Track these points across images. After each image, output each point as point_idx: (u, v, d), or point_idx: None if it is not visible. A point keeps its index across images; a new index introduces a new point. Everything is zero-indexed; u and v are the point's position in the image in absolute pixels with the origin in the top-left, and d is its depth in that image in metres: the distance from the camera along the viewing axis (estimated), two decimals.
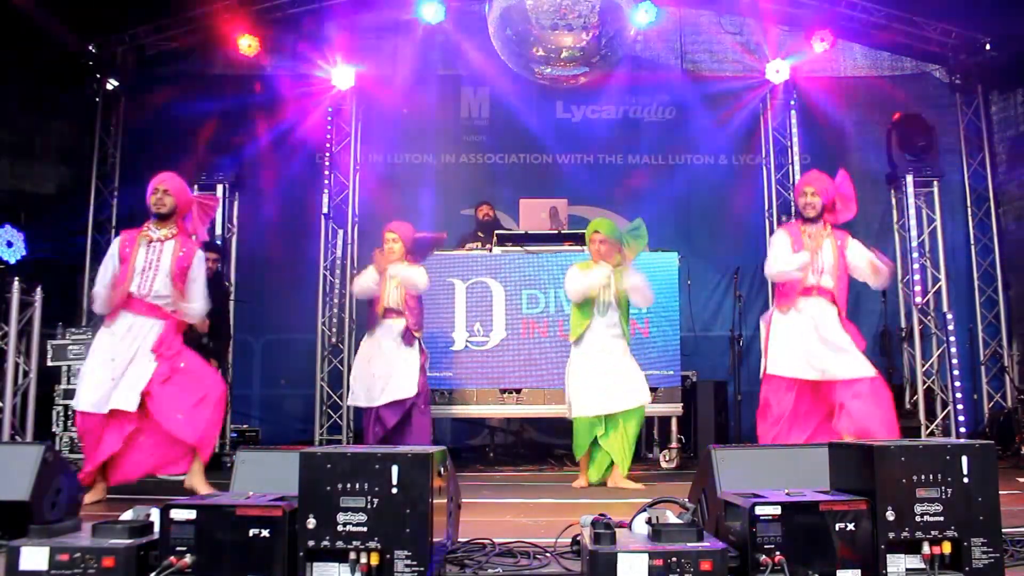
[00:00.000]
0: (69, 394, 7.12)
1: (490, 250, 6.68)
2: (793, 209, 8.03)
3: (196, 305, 4.43)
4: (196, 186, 7.12)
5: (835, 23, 8.23)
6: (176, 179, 4.43)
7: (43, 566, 2.07)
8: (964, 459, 2.18)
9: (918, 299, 7.68)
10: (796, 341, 4.53)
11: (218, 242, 7.06)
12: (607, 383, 5.12)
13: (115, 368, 4.22)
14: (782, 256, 4.62)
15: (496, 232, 6.83)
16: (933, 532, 2.14)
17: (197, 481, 4.33)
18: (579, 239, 6.55)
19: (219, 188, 7.44)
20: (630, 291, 5.16)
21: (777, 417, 4.51)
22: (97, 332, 4.40)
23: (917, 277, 7.67)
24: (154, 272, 4.26)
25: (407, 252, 5.49)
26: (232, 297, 7.33)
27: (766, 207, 8.43)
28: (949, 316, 7.62)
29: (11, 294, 6.02)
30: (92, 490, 4.26)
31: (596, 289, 5.12)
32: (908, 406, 7.53)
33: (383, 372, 5.37)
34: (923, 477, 2.16)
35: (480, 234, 7.15)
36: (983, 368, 8.09)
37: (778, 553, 2.09)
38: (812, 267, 4.54)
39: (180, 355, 4.34)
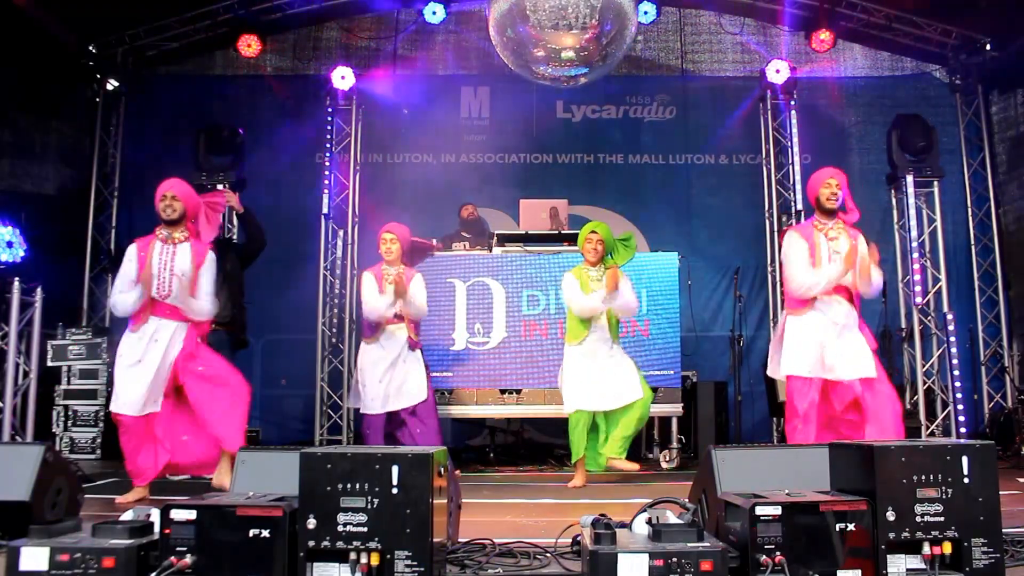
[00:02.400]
0: (69, 394, 7.14)
1: (490, 250, 6.68)
2: (794, 209, 8.04)
3: (203, 304, 4.46)
4: (195, 187, 7.08)
5: (835, 23, 8.23)
6: (182, 184, 4.56)
7: (43, 566, 2.07)
8: (964, 459, 2.17)
9: (918, 299, 7.67)
10: (812, 339, 4.36)
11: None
12: (603, 380, 5.19)
13: (144, 371, 4.30)
14: (802, 269, 4.36)
15: (496, 232, 6.84)
16: (933, 532, 2.13)
17: (226, 479, 4.35)
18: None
19: (219, 188, 7.41)
20: (617, 310, 5.29)
21: (804, 416, 4.31)
22: (122, 336, 4.45)
23: (917, 277, 7.66)
24: (170, 273, 4.35)
25: (404, 254, 5.49)
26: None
27: (766, 207, 8.42)
28: (949, 316, 7.61)
29: (11, 294, 6.01)
30: (133, 491, 4.35)
31: (598, 312, 5.23)
32: (908, 406, 7.52)
33: (396, 378, 5.34)
34: (923, 477, 2.16)
35: (464, 234, 7.18)
36: (983, 368, 8.10)
37: (778, 553, 2.09)
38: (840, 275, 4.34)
39: (198, 359, 4.40)
